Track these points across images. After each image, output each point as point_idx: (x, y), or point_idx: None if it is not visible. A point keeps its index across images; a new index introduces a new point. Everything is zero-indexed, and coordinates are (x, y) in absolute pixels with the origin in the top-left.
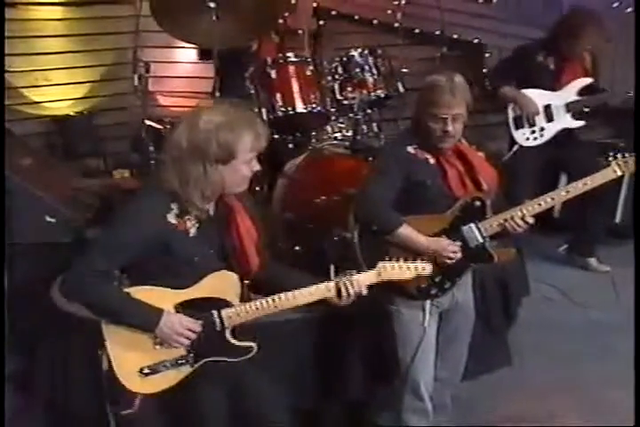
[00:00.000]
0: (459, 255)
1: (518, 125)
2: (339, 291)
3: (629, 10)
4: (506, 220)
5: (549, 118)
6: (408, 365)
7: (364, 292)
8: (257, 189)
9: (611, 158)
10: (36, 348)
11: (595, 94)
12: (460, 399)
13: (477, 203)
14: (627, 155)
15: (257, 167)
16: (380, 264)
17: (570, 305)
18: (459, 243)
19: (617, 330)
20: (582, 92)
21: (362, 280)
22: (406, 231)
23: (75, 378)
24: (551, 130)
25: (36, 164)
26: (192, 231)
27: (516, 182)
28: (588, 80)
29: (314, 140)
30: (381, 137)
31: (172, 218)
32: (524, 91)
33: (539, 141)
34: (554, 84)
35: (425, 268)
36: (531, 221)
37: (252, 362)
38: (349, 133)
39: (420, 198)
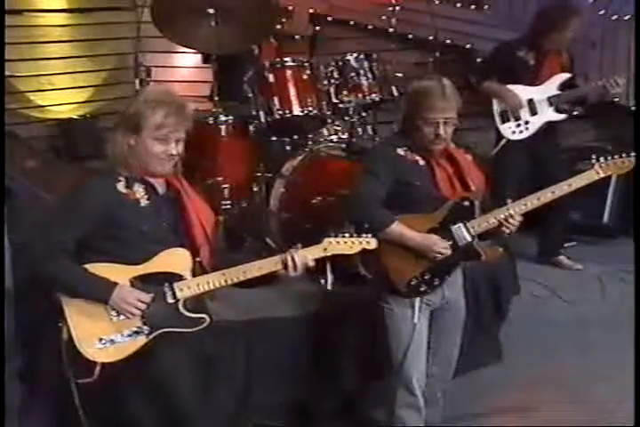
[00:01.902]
0: (448, 252)
1: (504, 119)
2: (285, 265)
3: (615, 17)
4: (495, 219)
5: (533, 112)
6: (400, 361)
7: (311, 264)
8: (255, 189)
9: (594, 161)
10: (40, 346)
11: (574, 88)
12: (449, 392)
13: (466, 203)
14: (609, 157)
15: (175, 151)
16: (326, 239)
17: (558, 303)
18: (448, 242)
19: (603, 327)
20: (562, 86)
21: (308, 254)
22: (398, 228)
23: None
24: (536, 123)
25: (40, 165)
26: (143, 202)
27: (503, 176)
28: (568, 75)
29: (310, 143)
30: (376, 139)
31: (121, 187)
32: (507, 86)
33: (524, 135)
34: (533, 80)
35: (370, 242)
36: (520, 219)
37: (231, 347)
38: (345, 136)
39: (410, 199)
